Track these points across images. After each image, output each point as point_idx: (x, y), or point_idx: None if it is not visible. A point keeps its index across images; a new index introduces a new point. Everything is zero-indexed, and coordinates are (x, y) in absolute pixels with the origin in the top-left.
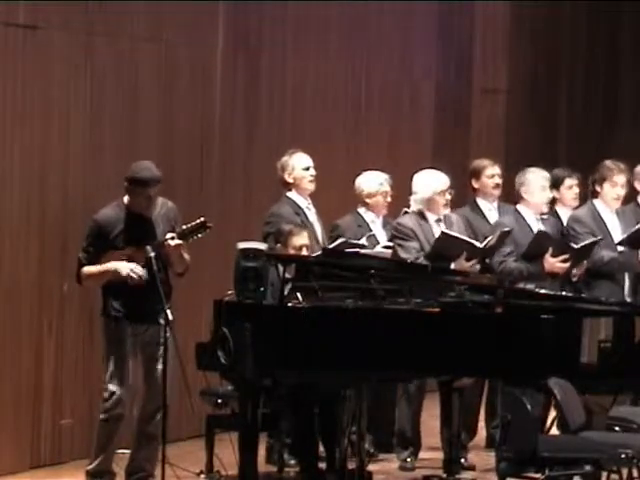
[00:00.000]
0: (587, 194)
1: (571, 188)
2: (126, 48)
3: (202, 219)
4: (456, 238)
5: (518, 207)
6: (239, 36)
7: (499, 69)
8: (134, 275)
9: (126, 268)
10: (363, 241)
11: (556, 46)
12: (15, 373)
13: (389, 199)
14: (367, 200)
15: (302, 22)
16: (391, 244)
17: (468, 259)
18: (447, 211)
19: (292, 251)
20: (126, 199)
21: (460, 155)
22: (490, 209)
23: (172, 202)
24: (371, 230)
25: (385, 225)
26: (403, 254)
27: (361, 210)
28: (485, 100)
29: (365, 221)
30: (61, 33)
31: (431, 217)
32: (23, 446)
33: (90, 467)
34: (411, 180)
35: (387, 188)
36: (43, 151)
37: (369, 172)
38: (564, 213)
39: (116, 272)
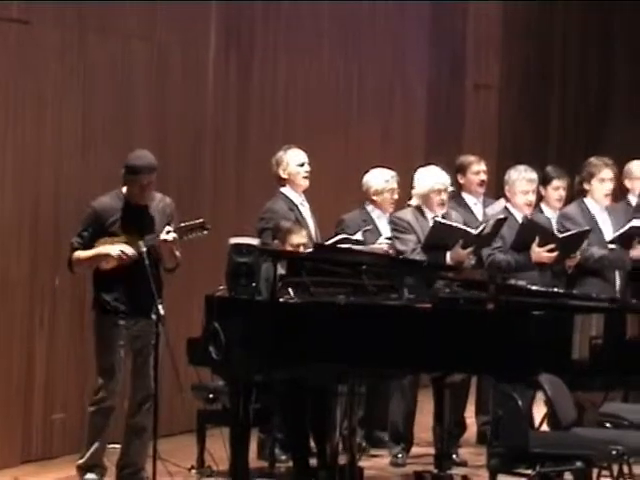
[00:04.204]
0: (574, 194)
1: (557, 190)
2: (119, 45)
3: (201, 220)
4: (450, 226)
5: (507, 204)
6: (231, 34)
7: (491, 65)
8: (124, 255)
9: (116, 250)
10: (358, 236)
11: (549, 43)
12: (6, 367)
13: (396, 196)
14: (374, 197)
15: (294, 20)
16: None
17: (464, 247)
18: (443, 210)
19: (290, 249)
20: (124, 189)
21: (453, 152)
22: (476, 203)
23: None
24: (376, 225)
25: (389, 220)
26: (400, 246)
27: (368, 206)
28: (477, 96)
29: (371, 216)
30: (54, 29)
31: (429, 213)
32: (14, 440)
33: (81, 461)
34: (404, 177)
35: (394, 185)
36: (36, 147)
37: (377, 169)
38: (548, 212)
39: (107, 256)
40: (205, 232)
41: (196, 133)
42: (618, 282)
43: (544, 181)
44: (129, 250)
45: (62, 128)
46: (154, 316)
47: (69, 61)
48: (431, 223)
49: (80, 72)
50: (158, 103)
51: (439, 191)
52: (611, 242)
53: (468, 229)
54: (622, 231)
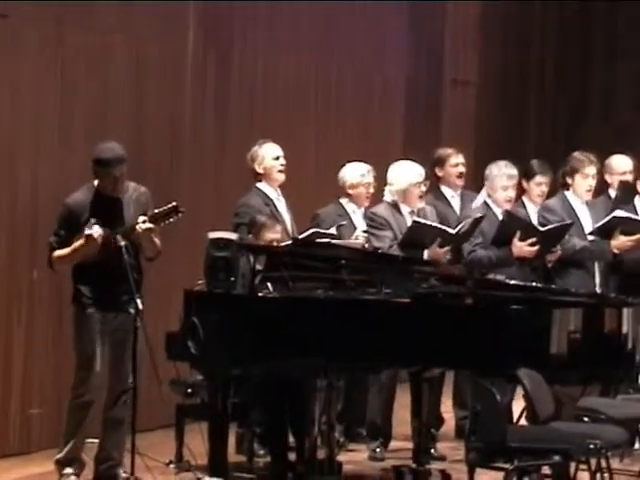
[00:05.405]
0: (557, 187)
1: (540, 185)
2: (97, 40)
3: (174, 203)
4: (428, 226)
5: (486, 199)
6: (210, 31)
7: (469, 61)
8: (97, 235)
9: (86, 233)
10: (332, 230)
11: (527, 42)
12: None
13: (372, 190)
14: (350, 191)
15: (273, 17)
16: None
17: (441, 246)
18: (422, 203)
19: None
20: (96, 182)
21: (431, 146)
22: (453, 196)
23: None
24: (352, 220)
25: (365, 216)
26: (377, 243)
27: (343, 200)
28: (455, 92)
29: (346, 211)
30: (32, 23)
31: (405, 209)
32: None
33: (60, 455)
34: (383, 172)
35: (370, 179)
36: (13, 140)
37: (353, 163)
38: (530, 207)
39: (83, 246)
40: (180, 215)
41: (174, 127)
42: (598, 273)
43: (527, 175)
44: (99, 230)
45: (40, 121)
46: (132, 310)
47: (47, 55)
48: (407, 219)
49: (58, 66)
50: (136, 98)
51: (418, 184)
52: (590, 234)
53: (446, 228)
54: (604, 221)
